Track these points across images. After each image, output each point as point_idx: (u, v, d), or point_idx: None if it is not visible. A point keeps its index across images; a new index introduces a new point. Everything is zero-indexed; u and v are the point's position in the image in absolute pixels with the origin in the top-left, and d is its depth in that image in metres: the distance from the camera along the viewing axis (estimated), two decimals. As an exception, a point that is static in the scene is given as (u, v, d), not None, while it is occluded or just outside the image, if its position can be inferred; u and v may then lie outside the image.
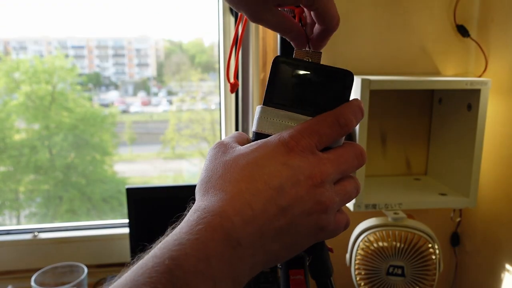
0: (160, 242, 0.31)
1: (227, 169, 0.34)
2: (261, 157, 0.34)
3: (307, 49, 0.43)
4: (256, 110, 0.42)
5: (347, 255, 1.04)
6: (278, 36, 0.53)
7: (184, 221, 0.32)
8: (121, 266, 0.38)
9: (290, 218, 0.33)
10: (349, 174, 0.37)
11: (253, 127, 0.41)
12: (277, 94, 0.40)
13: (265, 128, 0.39)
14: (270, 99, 0.40)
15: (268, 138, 0.36)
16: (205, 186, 0.35)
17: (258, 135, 0.40)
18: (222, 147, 0.37)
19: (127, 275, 0.29)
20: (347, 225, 0.38)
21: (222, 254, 0.30)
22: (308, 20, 0.43)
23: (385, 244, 0.98)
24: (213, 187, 0.34)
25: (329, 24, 0.40)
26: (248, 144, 0.36)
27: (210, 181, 0.35)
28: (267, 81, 0.41)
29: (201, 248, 0.29)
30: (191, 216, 0.32)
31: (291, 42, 0.43)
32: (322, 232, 0.35)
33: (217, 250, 0.30)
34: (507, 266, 1.04)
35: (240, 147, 0.36)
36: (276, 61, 0.41)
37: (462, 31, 1.11)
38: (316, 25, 0.41)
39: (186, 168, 3.60)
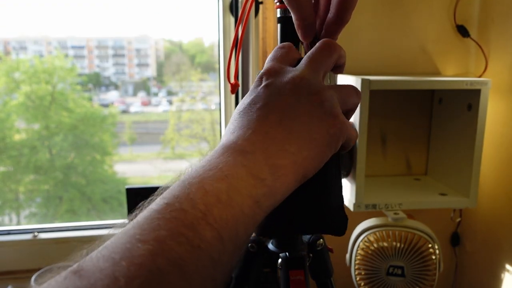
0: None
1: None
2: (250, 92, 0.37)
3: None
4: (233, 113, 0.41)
5: (347, 255, 1.04)
6: (278, 36, 0.53)
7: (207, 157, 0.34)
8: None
9: (295, 115, 0.35)
10: (350, 105, 0.40)
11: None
12: None
13: None
14: None
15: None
16: (243, 118, 0.36)
17: None
18: (271, 75, 0.38)
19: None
20: (356, 137, 0.40)
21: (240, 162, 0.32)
22: (321, 12, 0.43)
23: (385, 244, 0.98)
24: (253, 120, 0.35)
25: (345, 12, 0.40)
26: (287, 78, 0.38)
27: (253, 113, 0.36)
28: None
29: (214, 158, 0.32)
30: (214, 153, 0.33)
31: (299, 29, 0.42)
32: (332, 128, 0.36)
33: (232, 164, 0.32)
34: (507, 266, 1.04)
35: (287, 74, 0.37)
36: None
37: (462, 31, 1.11)
38: (329, 15, 0.41)
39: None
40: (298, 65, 0.38)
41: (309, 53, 0.39)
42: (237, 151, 0.33)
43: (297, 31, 0.42)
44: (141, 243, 0.25)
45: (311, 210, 0.39)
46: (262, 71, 0.39)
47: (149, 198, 0.32)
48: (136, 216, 0.29)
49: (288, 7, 0.41)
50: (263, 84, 0.37)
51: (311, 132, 0.35)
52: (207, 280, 0.27)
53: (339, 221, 0.42)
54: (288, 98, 0.36)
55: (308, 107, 0.35)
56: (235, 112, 0.37)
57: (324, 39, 0.40)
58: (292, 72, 0.37)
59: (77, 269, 0.24)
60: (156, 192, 0.32)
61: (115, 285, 0.23)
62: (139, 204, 0.32)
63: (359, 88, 0.90)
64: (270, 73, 0.38)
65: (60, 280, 0.24)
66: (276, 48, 0.42)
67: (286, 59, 0.40)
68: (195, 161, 0.34)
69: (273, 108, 0.35)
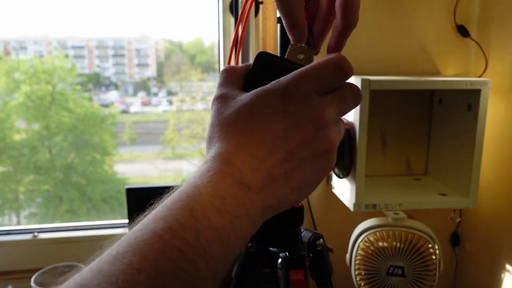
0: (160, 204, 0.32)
1: (230, 124, 0.35)
2: (261, 108, 0.35)
3: (303, 45, 0.42)
4: None
5: (347, 255, 1.04)
6: (278, 36, 0.53)
7: (196, 172, 0.33)
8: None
9: (298, 161, 0.34)
10: (348, 112, 0.38)
11: None
12: (253, 88, 0.39)
13: None
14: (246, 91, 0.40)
15: (267, 86, 0.36)
16: (210, 142, 0.36)
17: None
18: (222, 101, 0.37)
19: (151, 214, 0.30)
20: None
21: (235, 195, 0.31)
22: (322, 16, 0.42)
23: (385, 244, 0.98)
24: (219, 141, 0.34)
25: (351, 12, 0.39)
26: (248, 94, 0.36)
27: (214, 137, 0.35)
28: (248, 72, 0.41)
29: (215, 189, 0.30)
30: (201, 166, 0.33)
31: (290, 34, 0.41)
32: (329, 168, 0.37)
33: (230, 192, 0.31)
34: (507, 266, 1.04)
35: (240, 97, 0.36)
36: (257, 57, 0.41)
37: (462, 31, 1.11)
38: (335, 23, 0.40)
39: (186, 168, 3.59)
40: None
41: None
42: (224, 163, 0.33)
43: (288, 36, 0.42)
44: (138, 272, 0.25)
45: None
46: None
47: (145, 213, 0.31)
48: (133, 233, 0.28)
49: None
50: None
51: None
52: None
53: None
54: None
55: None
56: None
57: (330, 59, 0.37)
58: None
59: None
60: (155, 204, 0.32)
61: None
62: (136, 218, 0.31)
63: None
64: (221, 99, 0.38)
65: None
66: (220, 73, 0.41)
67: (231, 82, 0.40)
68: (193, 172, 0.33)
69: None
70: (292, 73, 0.36)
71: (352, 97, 0.38)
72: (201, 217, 0.28)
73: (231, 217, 0.30)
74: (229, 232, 0.30)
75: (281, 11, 0.40)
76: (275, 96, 0.35)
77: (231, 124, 0.35)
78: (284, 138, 0.34)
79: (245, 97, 0.36)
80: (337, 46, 0.41)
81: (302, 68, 0.36)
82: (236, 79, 0.39)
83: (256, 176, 0.32)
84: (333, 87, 0.36)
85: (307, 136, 0.34)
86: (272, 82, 0.36)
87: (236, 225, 0.30)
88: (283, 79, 0.35)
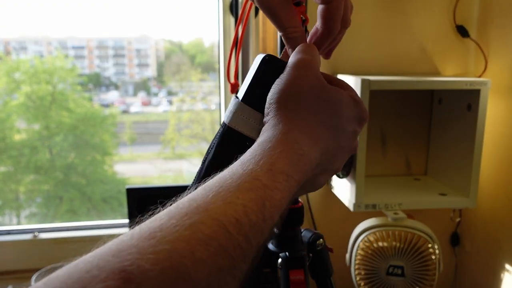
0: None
1: (313, 96, 0.38)
2: (343, 112, 0.39)
3: None
4: (232, 101, 0.41)
5: (347, 255, 1.04)
6: (278, 36, 0.53)
7: (263, 144, 0.34)
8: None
9: (342, 154, 0.40)
10: None
11: (226, 119, 0.40)
12: (258, 95, 0.39)
13: (241, 127, 0.39)
14: (251, 98, 0.39)
15: (356, 99, 0.41)
16: (273, 109, 0.37)
17: (231, 130, 0.39)
18: (311, 69, 0.39)
19: (219, 185, 0.30)
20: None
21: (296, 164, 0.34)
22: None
23: (385, 244, 0.98)
24: (296, 109, 0.37)
25: (330, 26, 0.41)
26: (336, 90, 0.39)
27: (294, 97, 0.37)
28: (251, 76, 0.40)
29: (283, 189, 0.32)
30: (269, 140, 0.35)
31: (286, 41, 0.42)
32: (340, 168, 0.43)
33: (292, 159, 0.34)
34: (507, 266, 1.04)
35: (324, 80, 0.39)
36: (265, 60, 0.40)
37: (462, 31, 1.11)
38: (315, 27, 0.41)
39: (186, 168, 3.59)
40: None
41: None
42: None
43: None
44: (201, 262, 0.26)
45: None
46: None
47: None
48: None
49: None
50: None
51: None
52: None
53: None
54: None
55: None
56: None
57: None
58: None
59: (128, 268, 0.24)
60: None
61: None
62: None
63: (359, 88, 0.90)
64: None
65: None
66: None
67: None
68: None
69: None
70: (361, 103, 0.41)
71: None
72: (268, 218, 0.30)
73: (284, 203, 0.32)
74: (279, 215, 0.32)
75: (274, 20, 0.41)
76: (351, 102, 0.40)
77: (314, 98, 0.38)
78: (340, 148, 0.40)
79: (330, 86, 0.39)
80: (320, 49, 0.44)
81: (360, 101, 0.41)
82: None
83: (312, 153, 0.36)
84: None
85: (354, 136, 0.41)
86: (356, 97, 0.41)
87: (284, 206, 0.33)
88: (362, 103, 0.41)
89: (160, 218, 0.27)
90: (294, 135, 0.35)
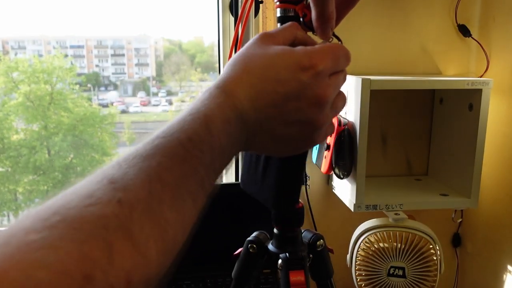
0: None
1: (252, 61, 0.39)
2: (280, 64, 0.38)
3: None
4: None
5: (348, 256, 1.04)
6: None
7: (205, 94, 0.37)
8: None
9: (287, 117, 0.38)
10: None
11: None
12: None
13: None
14: None
15: (295, 49, 0.39)
16: (226, 66, 0.40)
17: None
18: (263, 40, 0.41)
19: (170, 124, 0.34)
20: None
21: (235, 123, 0.36)
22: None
23: (386, 245, 0.97)
24: (234, 70, 0.39)
25: (324, 32, 0.44)
26: (278, 48, 0.39)
27: (235, 64, 0.39)
28: None
29: (223, 112, 0.36)
30: (212, 91, 0.37)
31: (316, 27, 0.45)
32: (312, 143, 0.42)
33: (233, 119, 0.36)
34: (509, 267, 1.04)
35: (273, 47, 0.40)
36: None
37: (463, 30, 1.11)
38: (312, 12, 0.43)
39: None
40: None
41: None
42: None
43: (315, 29, 0.45)
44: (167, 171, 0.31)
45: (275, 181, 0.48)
46: None
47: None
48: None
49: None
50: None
51: None
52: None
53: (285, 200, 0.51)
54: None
55: None
56: None
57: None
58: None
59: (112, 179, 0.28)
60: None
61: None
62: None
63: (359, 88, 0.89)
64: None
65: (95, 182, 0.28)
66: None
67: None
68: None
69: None
70: (318, 46, 0.40)
71: (345, 59, 0.42)
72: (215, 135, 0.34)
73: (232, 138, 0.36)
74: (229, 151, 0.36)
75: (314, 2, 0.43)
76: (297, 60, 0.38)
77: (252, 63, 0.39)
78: (285, 98, 0.38)
79: (275, 49, 0.39)
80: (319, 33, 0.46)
81: (323, 46, 0.40)
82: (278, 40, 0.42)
83: (251, 115, 0.37)
84: (340, 70, 0.41)
85: (303, 107, 0.38)
86: (299, 47, 0.39)
87: (233, 148, 0.37)
88: (310, 49, 0.39)
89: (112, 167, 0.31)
90: (226, 84, 0.38)
